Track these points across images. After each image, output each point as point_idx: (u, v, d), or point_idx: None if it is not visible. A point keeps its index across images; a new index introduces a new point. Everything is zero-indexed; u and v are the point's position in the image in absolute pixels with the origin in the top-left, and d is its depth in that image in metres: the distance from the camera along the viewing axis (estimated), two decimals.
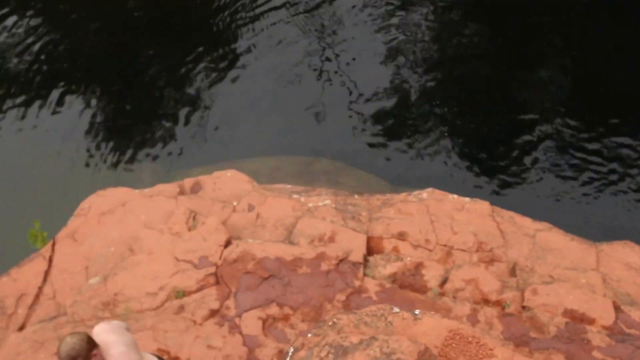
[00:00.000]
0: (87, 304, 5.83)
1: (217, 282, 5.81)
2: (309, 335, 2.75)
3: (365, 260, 5.94)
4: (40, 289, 6.18)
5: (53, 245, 6.39)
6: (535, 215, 6.63)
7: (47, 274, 6.25)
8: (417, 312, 3.01)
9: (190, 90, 10.75)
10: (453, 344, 2.86)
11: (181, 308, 5.72)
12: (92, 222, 6.39)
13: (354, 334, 2.60)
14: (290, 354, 2.81)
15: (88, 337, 3.86)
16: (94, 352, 3.90)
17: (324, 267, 5.79)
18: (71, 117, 10.60)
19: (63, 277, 6.16)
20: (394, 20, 11.39)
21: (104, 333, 4.11)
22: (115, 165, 10.00)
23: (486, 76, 10.21)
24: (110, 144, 10.13)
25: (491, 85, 10.16)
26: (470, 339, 2.91)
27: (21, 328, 6.04)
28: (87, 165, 10.11)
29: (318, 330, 2.78)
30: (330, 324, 2.74)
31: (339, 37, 11.16)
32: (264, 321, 5.58)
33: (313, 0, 11.93)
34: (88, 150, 10.23)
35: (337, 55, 10.93)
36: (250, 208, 6.33)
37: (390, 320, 2.94)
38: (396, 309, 2.98)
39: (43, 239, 6.91)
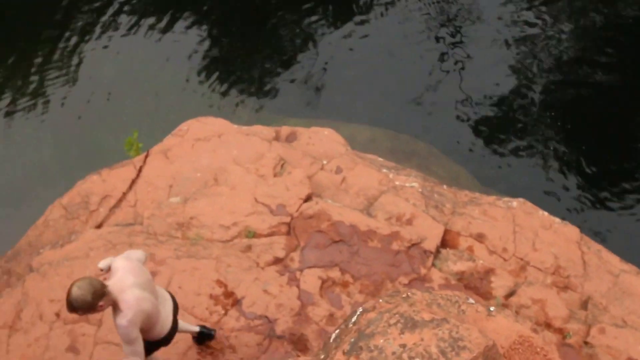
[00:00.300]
0: (163, 220, 6.03)
1: (288, 233, 5.88)
2: (381, 300, 2.75)
3: (437, 251, 5.85)
4: (124, 194, 6.44)
5: (146, 157, 6.62)
6: (626, 256, 6.28)
7: (133, 182, 6.49)
8: (492, 308, 2.94)
9: (303, 40, 10.69)
10: (520, 350, 2.79)
11: (248, 248, 5.82)
12: (186, 145, 6.57)
13: (425, 312, 2.57)
14: (358, 313, 2.81)
15: (94, 290, 3.81)
16: (100, 303, 3.88)
17: (395, 246, 5.74)
18: (185, 42, 10.85)
19: (147, 189, 6.38)
20: (532, 14, 10.73)
21: (122, 271, 4.13)
22: (213, 95, 10.16)
23: (618, 90, 9.37)
24: (215, 75, 10.29)
25: (620, 102, 9.32)
26: (538, 349, 2.82)
27: (99, 226, 6.33)
28: (185, 89, 10.32)
29: (390, 298, 2.77)
30: (404, 296, 2.72)
31: (468, 19, 10.66)
32: (323, 282, 5.61)
33: None
34: (188, 78, 10.43)
35: (460, 37, 10.49)
36: (338, 170, 6.33)
37: (464, 309, 2.89)
38: (471, 300, 2.92)
39: (138, 149, 7.18)
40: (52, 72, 10.80)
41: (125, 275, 4.11)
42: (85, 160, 8.96)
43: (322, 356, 2.89)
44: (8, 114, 10.42)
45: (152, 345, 4.45)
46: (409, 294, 2.80)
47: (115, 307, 4.00)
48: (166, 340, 4.50)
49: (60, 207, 6.69)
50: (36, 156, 9.70)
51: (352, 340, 2.54)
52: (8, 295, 5.89)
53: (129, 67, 10.67)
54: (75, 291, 3.76)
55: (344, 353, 2.59)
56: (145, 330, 4.21)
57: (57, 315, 5.56)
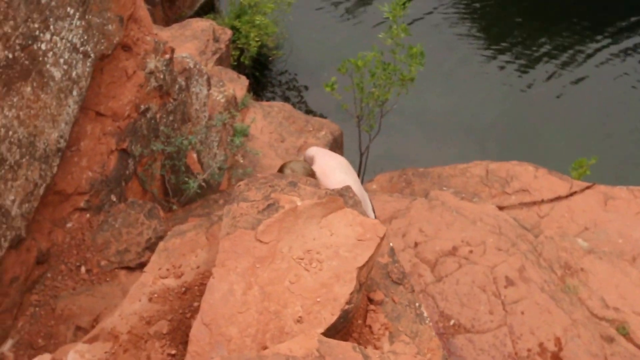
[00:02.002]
0: (556, 250, 5.74)
1: None
2: None
3: None
4: (541, 201, 6.29)
5: (586, 187, 6.27)
6: None
7: (560, 198, 6.25)
8: None
9: None
10: None
11: (610, 340, 5.21)
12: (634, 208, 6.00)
13: None
14: None
15: (306, 174, 3.50)
16: None
17: None
18: None
19: (565, 212, 6.13)
20: None
21: (320, 155, 3.83)
22: None
23: None
24: None
25: None
26: None
27: (500, 208, 6.34)
28: None
29: None
30: None
31: None
32: None
33: None
34: None
35: None
36: None
37: None
38: None
39: (583, 173, 6.84)
40: None
41: (325, 159, 3.87)
42: (530, 149, 8.66)
43: None
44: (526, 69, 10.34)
45: None
46: None
47: None
48: None
49: (483, 169, 6.86)
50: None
51: None
52: (397, 199, 6.38)
53: None
54: (287, 173, 3.56)
55: None
56: None
57: (416, 244, 5.85)
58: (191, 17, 8.83)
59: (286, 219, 2.40)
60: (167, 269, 2.69)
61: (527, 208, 6.41)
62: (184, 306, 2.59)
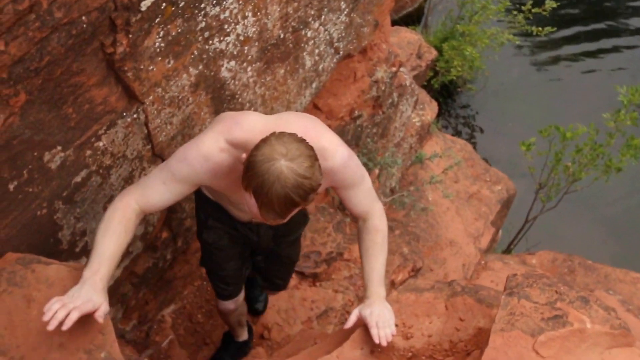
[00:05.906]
0: None
1: None
2: None
3: None
4: None
5: None
6: None
7: None
8: None
9: None
10: None
11: None
12: None
13: None
14: None
15: (314, 155, 2.08)
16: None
17: None
18: None
19: None
20: None
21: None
22: None
23: None
24: None
25: None
26: None
27: None
28: None
29: None
30: None
31: None
32: None
33: None
34: None
35: None
36: None
37: None
38: None
39: None
40: None
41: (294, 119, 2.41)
42: None
43: None
44: None
45: None
46: None
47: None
48: None
49: None
50: None
51: None
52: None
53: None
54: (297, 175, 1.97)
55: None
56: None
57: None
58: (396, 22, 8.62)
59: (570, 338, 2.10)
60: (396, 325, 2.45)
61: None
62: None
